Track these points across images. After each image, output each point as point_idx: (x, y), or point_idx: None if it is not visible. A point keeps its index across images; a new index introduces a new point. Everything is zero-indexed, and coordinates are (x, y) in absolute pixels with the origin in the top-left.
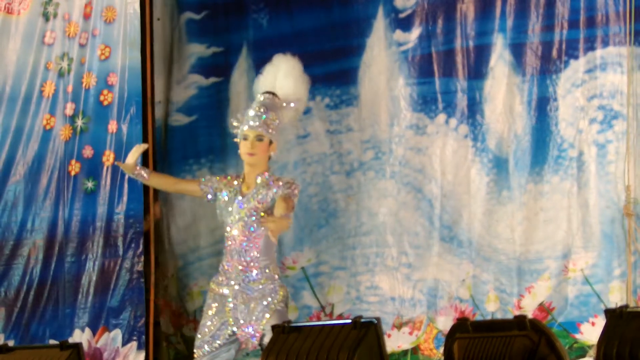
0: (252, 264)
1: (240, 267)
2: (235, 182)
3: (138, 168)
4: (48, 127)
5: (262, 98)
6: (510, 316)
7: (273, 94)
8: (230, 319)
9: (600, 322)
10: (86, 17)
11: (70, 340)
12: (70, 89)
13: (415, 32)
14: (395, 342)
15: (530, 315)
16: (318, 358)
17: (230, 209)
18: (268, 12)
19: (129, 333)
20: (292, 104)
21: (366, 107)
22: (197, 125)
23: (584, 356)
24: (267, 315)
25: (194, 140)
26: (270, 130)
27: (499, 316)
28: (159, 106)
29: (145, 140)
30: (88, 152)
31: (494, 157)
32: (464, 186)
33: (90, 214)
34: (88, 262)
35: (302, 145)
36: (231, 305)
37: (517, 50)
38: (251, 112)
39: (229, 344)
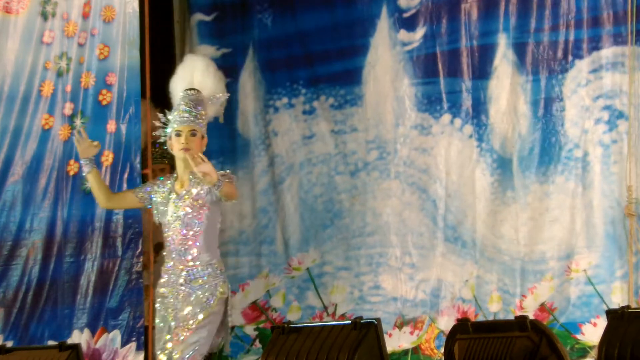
0: (192, 262)
1: (181, 267)
2: (169, 182)
3: (91, 157)
4: (47, 126)
5: (189, 93)
6: (512, 317)
7: (197, 90)
8: (170, 316)
9: (602, 322)
10: (85, 16)
11: (69, 341)
12: (69, 88)
13: (420, 31)
14: (396, 341)
15: (531, 316)
16: (318, 358)
17: (164, 208)
18: (272, 13)
19: (128, 334)
20: (218, 96)
21: (371, 107)
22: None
23: (585, 357)
24: (200, 317)
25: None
26: (202, 125)
27: (501, 316)
28: None
29: (145, 141)
30: None
31: (499, 157)
32: (469, 186)
33: (89, 214)
34: (87, 263)
35: (307, 146)
36: (171, 301)
37: (521, 49)
38: (182, 107)
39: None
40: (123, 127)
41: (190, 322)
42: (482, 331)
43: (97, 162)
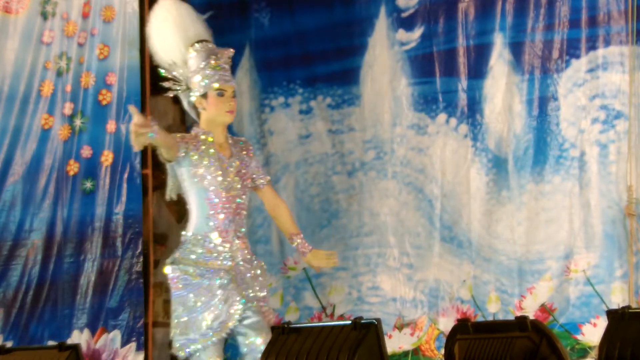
0: (243, 237)
1: (238, 241)
2: (202, 146)
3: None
4: (46, 126)
5: (213, 47)
6: (511, 317)
7: (207, 40)
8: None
9: (602, 323)
10: (85, 16)
11: (69, 341)
12: (68, 88)
13: (418, 31)
14: (396, 342)
15: (531, 316)
16: (318, 359)
17: (208, 173)
18: (270, 12)
19: (128, 334)
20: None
21: (368, 107)
22: None
23: (585, 357)
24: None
25: None
26: None
27: (500, 317)
28: None
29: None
30: (87, 152)
31: (494, 156)
32: (464, 186)
33: (89, 214)
34: (87, 263)
35: (304, 146)
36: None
37: (517, 49)
38: (220, 64)
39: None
40: (123, 127)
41: (262, 304)
42: (482, 331)
43: (97, 162)
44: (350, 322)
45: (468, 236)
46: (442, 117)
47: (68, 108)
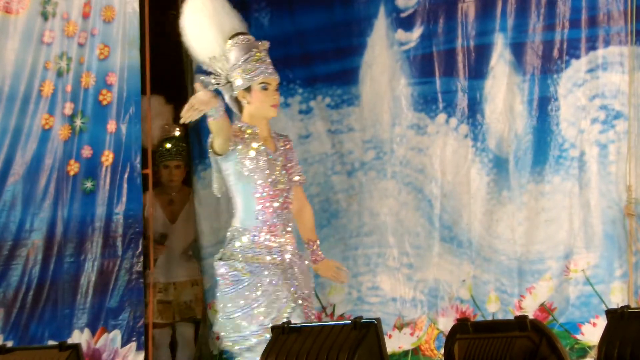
0: (291, 234)
1: (287, 237)
2: (247, 138)
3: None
4: (47, 126)
5: (253, 40)
6: (511, 317)
7: (244, 32)
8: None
9: (602, 322)
10: (85, 16)
11: (69, 341)
12: (69, 88)
13: (417, 31)
14: (396, 342)
15: (531, 316)
16: (318, 359)
17: (256, 166)
18: (269, 12)
19: (128, 334)
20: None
21: (368, 107)
22: (202, 126)
23: (585, 357)
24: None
25: (199, 140)
26: None
27: (499, 317)
28: None
29: (144, 141)
30: (87, 152)
31: (494, 157)
32: (464, 186)
33: (89, 214)
34: (87, 263)
35: (303, 145)
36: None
37: (518, 49)
38: (262, 57)
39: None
40: (123, 127)
41: (306, 303)
42: (482, 331)
43: (97, 162)
44: (350, 322)
45: (468, 236)
46: (442, 117)
47: (68, 108)
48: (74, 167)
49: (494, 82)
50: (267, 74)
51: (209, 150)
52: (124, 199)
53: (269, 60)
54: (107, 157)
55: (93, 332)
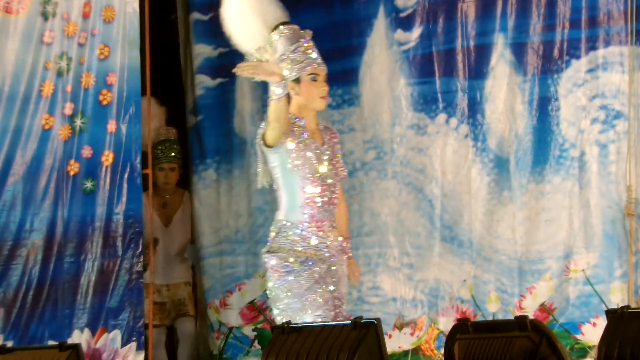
0: (336, 231)
1: (334, 232)
2: (296, 130)
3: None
4: (47, 126)
5: (294, 29)
6: (511, 317)
7: (288, 22)
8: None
9: (602, 322)
10: (85, 16)
11: (69, 341)
12: (69, 88)
13: (416, 31)
14: (396, 342)
15: (531, 316)
16: (318, 359)
17: (312, 160)
18: None
19: (128, 334)
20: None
21: (368, 107)
22: (203, 126)
23: (585, 357)
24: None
25: (200, 140)
26: None
27: (500, 317)
28: None
29: (144, 140)
30: (87, 152)
31: (495, 156)
32: (465, 186)
33: (89, 214)
34: (87, 263)
35: None
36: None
37: (518, 49)
38: (305, 44)
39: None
40: (123, 127)
41: (340, 302)
42: (482, 331)
43: (97, 162)
44: (350, 321)
45: (469, 236)
46: (442, 117)
47: (68, 108)
48: (74, 167)
49: (495, 82)
50: (316, 64)
51: (258, 141)
52: (124, 199)
53: (316, 50)
54: (107, 157)
55: (93, 332)
